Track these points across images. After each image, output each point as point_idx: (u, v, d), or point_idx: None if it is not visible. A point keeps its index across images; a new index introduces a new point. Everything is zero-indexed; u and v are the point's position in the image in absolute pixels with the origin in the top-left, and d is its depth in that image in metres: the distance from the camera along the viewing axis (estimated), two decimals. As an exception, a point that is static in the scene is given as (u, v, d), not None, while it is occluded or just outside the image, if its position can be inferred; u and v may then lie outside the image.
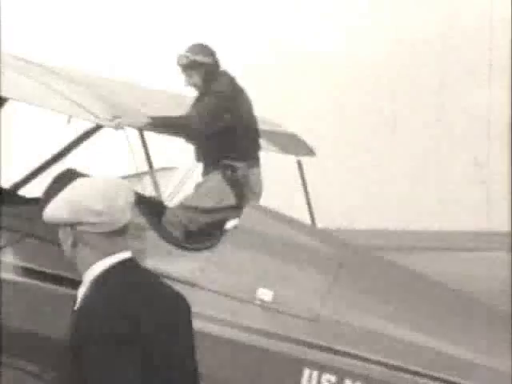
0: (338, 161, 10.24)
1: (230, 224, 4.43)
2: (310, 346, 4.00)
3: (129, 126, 4.28)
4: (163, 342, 2.21)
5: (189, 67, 4.69)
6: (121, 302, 2.18)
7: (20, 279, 4.35)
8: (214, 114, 4.55)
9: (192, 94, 4.90)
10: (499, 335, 4.04)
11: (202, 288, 4.15)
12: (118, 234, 2.26)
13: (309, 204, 5.72)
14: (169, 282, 4.08)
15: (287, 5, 11.01)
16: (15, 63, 4.63)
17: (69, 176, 3.60)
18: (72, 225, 2.23)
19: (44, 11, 10.69)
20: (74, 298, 2.30)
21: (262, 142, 4.97)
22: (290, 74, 10.55)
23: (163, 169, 5.65)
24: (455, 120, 10.86)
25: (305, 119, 9.25)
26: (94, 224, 2.22)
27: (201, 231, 4.54)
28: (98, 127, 5.27)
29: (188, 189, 4.85)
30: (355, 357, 3.97)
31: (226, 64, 4.89)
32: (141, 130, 5.00)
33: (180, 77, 4.81)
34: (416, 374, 3.96)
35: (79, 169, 4.32)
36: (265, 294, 4.09)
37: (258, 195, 4.71)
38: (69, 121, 4.63)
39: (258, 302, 4.09)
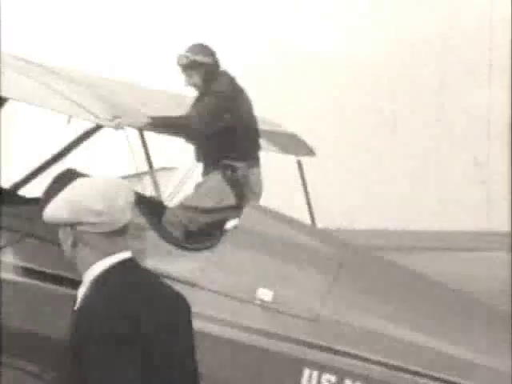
0: (338, 161, 10.24)
1: (230, 224, 4.43)
2: (310, 346, 4.00)
3: (129, 125, 4.28)
4: (163, 342, 2.21)
5: (189, 67, 4.68)
6: (121, 302, 2.18)
7: (20, 279, 4.35)
8: (214, 114, 4.54)
9: (192, 93, 4.90)
10: (499, 335, 4.04)
11: (202, 288, 4.15)
12: (118, 234, 2.26)
13: (309, 204, 5.72)
14: (169, 282, 4.08)
15: (287, 5, 11.01)
16: (15, 63, 4.63)
17: (69, 176, 3.60)
18: (72, 225, 2.24)
19: (44, 11, 10.69)
20: (74, 298, 2.30)
21: (262, 142, 4.97)
22: (289, 74, 10.55)
23: (163, 169, 5.65)
24: (455, 120, 10.86)
25: (305, 119, 9.26)
26: (93, 224, 2.22)
27: (201, 231, 4.54)
28: (97, 127, 5.27)
29: (188, 189, 4.85)
30: (355, 357, 3.97)
31: (226, 64, 4.89)
32: (141, 130, 5.00)
33: (180, 77, 4.81)
34: (416, 374, 3.96)
35: (79, 169, 4.32)
36: (265, 294, 4.09)
37: (257, 195, 4.70)
38: (69, 121, 4.63)
39: (258, 302, 4.09)
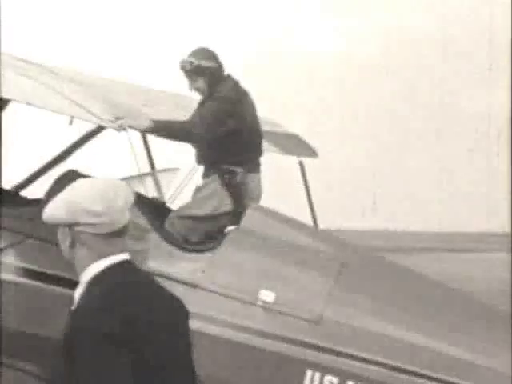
0: (340, 162, 10.24)
1: (229, 229, 4.43)
2: (312, 347, 4.00)
3: (131, 128, 4.27)
4: (160, 344, 2.21)
5: (193, 72, 4.61)
6: (116, 302, 2.19)
7: (21, 280, 4.35)
8: (217, 119, 4.50)
9: (192, 93, 4.87)
10: (499, 336, 4.05)
11: (203, 289, 4.15)
12: (117, 236, 2.26)
13: (311, 205, 5.71)
14: (170, 283, 4.12)
15: (286, 5, 11.01)
16: (15, 64, 4.62)
17: (70, 177, 3.59)
18: (70, 225, 2.24)
19: (44, 12, 10.69)
20: (73, 298, 2.30)
21: (264, 143, 4.95)
22: (289, 74, 10.55)
23: (165, 170, 5.64)
24: (455, 120, 10.86)
25: (306, 119, 9.25)
26: (92, 225, 2.22)
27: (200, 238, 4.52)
28: (99, 128, 5.27)
29: (189, 190, 4.84)
30: (357, 358, 3.96)
31: (226, 64, 4.87)
32: (143, 133, 4.97)
33: (179, 76, 4.77)
34: (417, 374, 3.96)
35: (81, 170, 4.31)
36: (267, 296, 4.09)
37: (256, 201, 4.64)
38: (71, 122, 4.62)
39: (260, 304, 4.08)
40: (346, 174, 10.19)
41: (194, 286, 4.16)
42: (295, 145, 6.07)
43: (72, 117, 4.52)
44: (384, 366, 3.96)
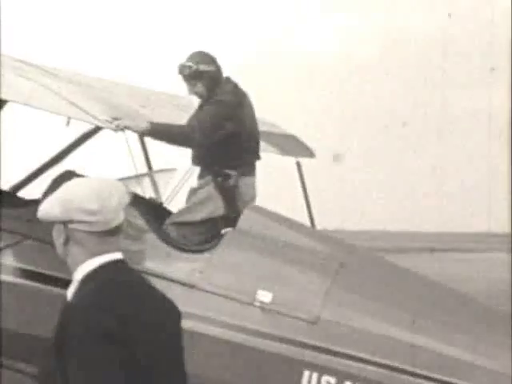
0: (338, 162, 10.23)
1: (224, 231, 4.43)
2: (310, 347, 4.00)
3: (128, 129, 4.27)
4: (150, 344, 2.21)
5: (192, 77, 4.59)
6: (108, 300, 2.20)
7: (19, 281, 4.35)
8: (215, 124, 4.48)
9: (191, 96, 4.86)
10: (499, 336, 4.04)
11: (201, 290, 4.15)
12: (111, 235, 2.27)
13: (308, 205, 5.71)
14: (168, 284, 4.12)
15: (286, 5, 11.01)
16: (14, 65, 4.63)
17: (68, 178, 3.60)
18: (64, 223, 2.25)
19: (44, 13, 10.70)
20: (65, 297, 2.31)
21: (261, 143, 4.95)
22: (287, 74, 10.55)
23: (162, 170, 5.64)
24: (455, 119, 10.86)
25: (306, 119, 9.25)
26: (85, 223, 2.23)
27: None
28: (97, 129, 5.27)
29: (186, 190, 4.83)
30: (355, 358, 3.96)
31: (226, 64, 4.86)
32: (141, 135, 4.97)
33: (178, 76, 4.76)
34: (415, 375, 3.96)
35: (78, 171, 4.32)
36: (264, 296, 4.09)
37: (249, 204, 4.61)
38: (68, 123, 4.62)
39: (258, 304, 4.09)
40: (345, 174, 10.19)
41: (192, 286, 4.16)
42: (292, 145, 6.07)
43: (69, 117, 4.53)
44: (382, 366, 3.96)
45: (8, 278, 4.34)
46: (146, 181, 5.22)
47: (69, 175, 4.14)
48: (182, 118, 4.73)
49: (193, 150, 4.73)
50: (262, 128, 4.91)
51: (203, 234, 4.45)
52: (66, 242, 2.26)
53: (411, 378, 3.95)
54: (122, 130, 4.22)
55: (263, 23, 10.72)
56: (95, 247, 2.25)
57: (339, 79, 10.42)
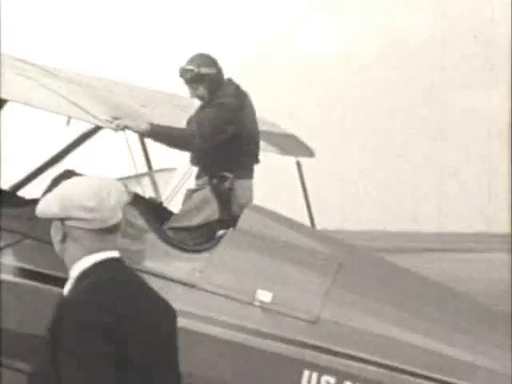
0: (338, 162, 10.24)
1: (220, 233, 4.44)
2: (310, 347, 4.00)
3: (128, 129, 4.27)
4: (144, 343, 2.22)
5: (193, 81, 4.56)
6: (103, 296, 2.21)
7: (19, 280, 4.35)
8: (216, 128, 4.45)
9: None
10: (499, 336, 4.04)
11: (201, 289, 4.15)
12: (108, 233, 2.28)
13: (308, 205, 5.71)
14: (168, 283, 4.12)
15: (286, 5, 11.01)
16: (14, 64, 4.63)
17: (68, 177, 3.60)
18: (62, 220, 2.27)
19: (44, 12, 10.70)
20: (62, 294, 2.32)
21: (261, 143, 4.94)
22: (289, 74, 10.55)
23: (162, 170, 5.64)
24: (455, 119, 10.86)
25: (305, 119, 9.25)
26: (83, 220, 2.25)
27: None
28: (97, 128, 5.27)
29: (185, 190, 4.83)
30: (355, 358, 3.96)
31: (226, 64, 4.85)
32: (140, 136, 4.96)
33: (178, 76, 4.75)
34: (415, 375, 3.96)
35: (78, 170, 4.32)
36: (264, 296, 4.09)
37: (244, 207, 4.58)
38: (68, 122, 4.62)
39: (258, 304, 4.08)
40: (344, 174, 10.19)
41: (192, 286, 4.16)
42: (292, 145, 6.07)
43: (69, 117, 4.53)
44: (382, 366, 3.96)
45: (8, 277, 4.34)
46: (146, 180, 5.22)
47: (68, 174, 4.14)
48: (182, 118, 4.73)
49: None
50: (261, 127, 4.91)
51: (199, 239, 4.44)
52: (64, 239, 2.28)
53: (411, 378, 3.95)
54: (122, 129, 4.22)
55: (263, 23, 10.72)
56: (92, 245, 2.26)
57: (339, 79, 10.42)
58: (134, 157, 4.64)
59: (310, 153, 6.15)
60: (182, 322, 3.94)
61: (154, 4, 10.83)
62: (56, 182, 4.22)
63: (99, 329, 2.14)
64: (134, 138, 4.71)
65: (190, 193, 4.58)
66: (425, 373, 3.95)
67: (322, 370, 3.96)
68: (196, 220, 4.46)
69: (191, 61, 4.58)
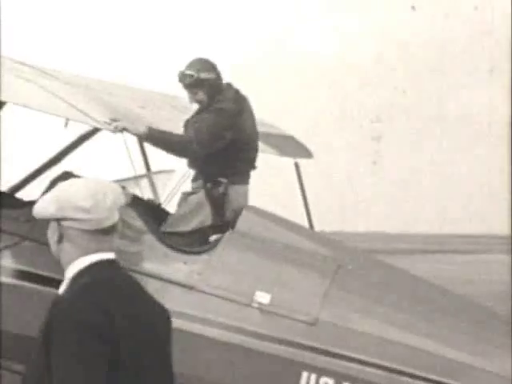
0: (336, 163, 10.24)
1: (213, 238, 4.44)
2: (308, 349, 4.00)
3: (126, 131, 4.27)
4: (137, 345, 2.22)
5: (193, 86, 4.54)
6: (97, 296, 2.22)
7: (18, 282, 4.35)
8: (214, 134, 4.41)
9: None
10: (499, 338, 4.04)
11: (199, 291, 4.15)
12: (104, 234, 2.30)
13: (306, 206, 5.71)
14: (166, 285, 4.11)
15: (286, 5, 11.01)
16: (13, 66, 4.63)
17: (66, 179, 3.60)
18: (59, 220, 2.28)
19: (44, 14, 10.70)
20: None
21: (260, 144, 4.93)
22: (286, 75, 10.54)
23: (160, 171, 5.64)
24: (455, 120, 10.85)
25: (305, 120, 9.24)
26: (79, 220, 2.27)
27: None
28: (95, 130, 5.28)
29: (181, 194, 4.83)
30: (353, 360, 3.96)
31: (226, 64, 4.84)
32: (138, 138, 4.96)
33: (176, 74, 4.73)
34: (414, 377, 3.96)
35: (77, 172, 4.32)
36: (262, 297, 4.09)
37: (237, 213, 4.55)
38: (66, 124, 4.62)
39: (256, 305, 4.08)
40: (343, 176, 10.18)
41: (190, 287, 4.16)
42: (291, 146, 6.07)
43: (67, 119, 4.52)
44: (381, 367, 3.96)
45: (7, 279, 4.33)
46: (145, 182, 5.22)
47: (67, 176, 4.14)
48: (181, 120, 4.73)
49: None
50: (260, 129, 4.90)
51: (192, 244, 4.43)
52: (60, 239, 2.30)
53: (410, 380, 3.95)
54: (121, 131, 4.22)
55: (263, 23, 10.72)
56: (88, 245, 2.28)
57: (338, 79, 10.42)
58: (133, 158, 4.64)
59: (308, 154, 6.15)
60: (180, 323, 3.96)
61: (153, 4, 10.83)
62: (54, 183, 4.22)
63: (92, 329, 2.15)
64: (132, 139, 4.71)
65: (185, 196, 4.58)
66: (424, 374, 3.95)
67: (321, 372, 3.96)
68: (190, 225, 4.46)
69: (190, 66, 4.56)
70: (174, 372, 2.36)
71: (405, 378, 3.95)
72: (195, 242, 4.43)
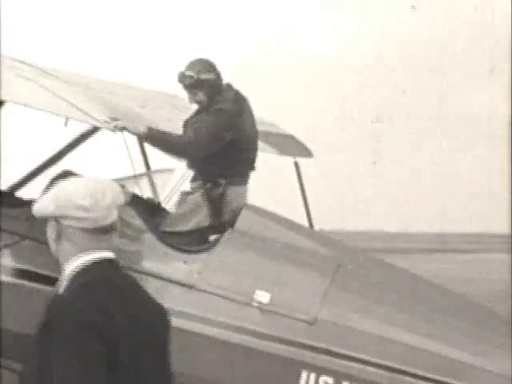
0: (336, 162, 10.24)
1: (211, 238, 4.44)
2: (308, 348, 4.00)
3: (126, 130, 4.27)
4: (135, 343, 2.23)
5: (193, 86, 4.53)
6: (95, 295, 2.22)
7: (18, 281, 4.35)
8: (213, 135, 4.40)
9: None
10: (499, 337, 4.04)
11: (199, 290, 4.15)
12: (103, 233, 2.30)
13: (306, 205, 5.71)
14: (166, 284, 4.12)
15: (286, 5, 11.01)
16: (14, 65, 4.63)
17: (65, 177, 3.61)
18: (58, 219, 2.29)
19: (44, 13, 10.70)
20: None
21: (260, 143, 4.93)
22: (286, 75, 10.55)
23: (160, 170, 5.64)
24: (455, 120, 10.86)
25: (305, 119, 9.24)
26: (78, 219, 2.27)
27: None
28: (95, 129, 5.28)
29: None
30: (353, 359, 3.96)
31: (225, 65, 4.84)
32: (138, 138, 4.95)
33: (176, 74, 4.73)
34: (414, 376, 3.96)
35: (76, 171, 4.32)
36: (262, 296, 4.09)
37: (236, 213, 4.54)
38: (66, 123, 4.62)
39: (256, 304, 4.08)
40: (343, 175, 10.18)
41: (190, 286, 4.16)
42: (291, 145, 6.07)
43: (67, 118, 4.53)
44: (380, 367, 3.96)
45: (6, 278, 4.34)
46: (144, 181, 5.22)
47: (66, 175, 4.14)
48: (180, 119, 4.72)
49: None
50: (260, 128, 4.89)
51: (190, 244, 4.43)
52: (59, 238, 2.30)
53: (410, 379, 3.95)
54: (120, 130, 4.22)
55: (263, 23, 10.73)
56: (86, 244, 2.28)
57: (338, 79, 10.42)
58: (132, 157, 4.64)
59: (308, 153, 6.15)
60: (180, 322, 3.96)
61: (153, 4, 10.83)
62: (54, 182, 4.22)
63: (92, 329, 2.15)
64: (132, 138, 4.71)
65: (184, 196, 4.57)
66: (424, 374, 3.95)
67: (321, 371, 3.96)
68: (189, 225, 4.45)
69: (190, 66, 4.55)
70: (173, 371, 2.36)
71: (404, 378, 3.95)
72: (194, 241, 4.43)
